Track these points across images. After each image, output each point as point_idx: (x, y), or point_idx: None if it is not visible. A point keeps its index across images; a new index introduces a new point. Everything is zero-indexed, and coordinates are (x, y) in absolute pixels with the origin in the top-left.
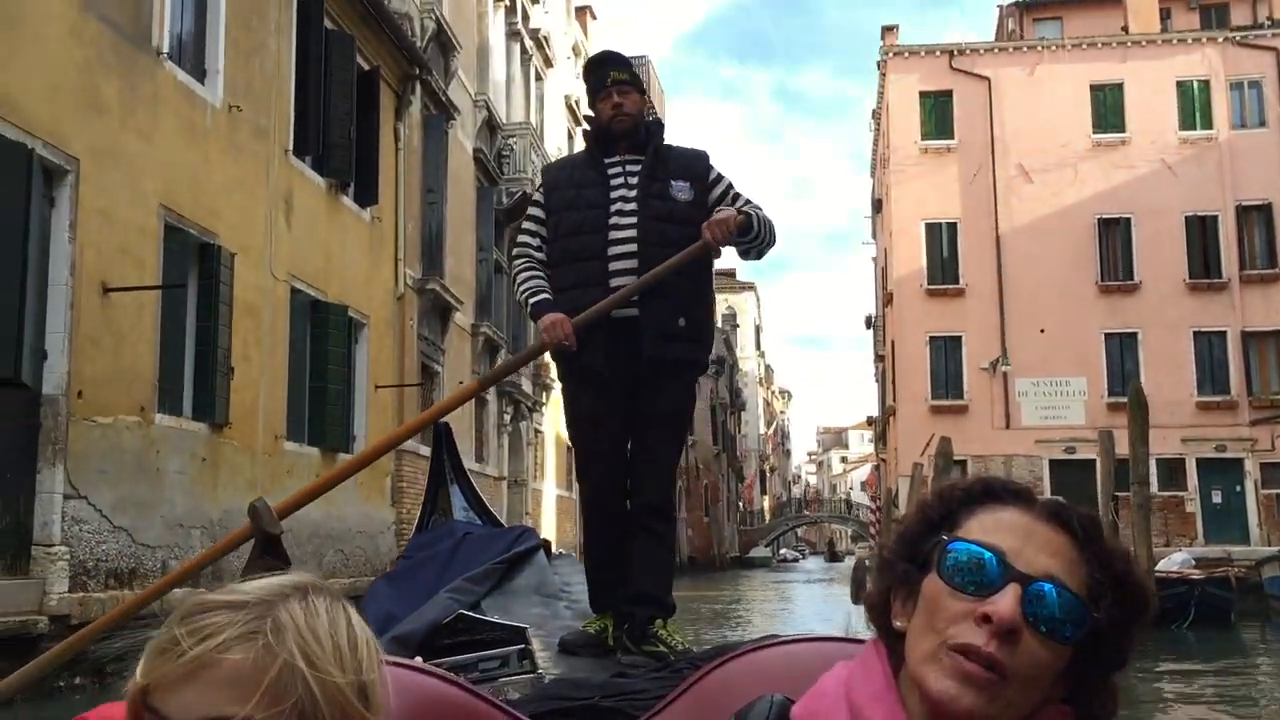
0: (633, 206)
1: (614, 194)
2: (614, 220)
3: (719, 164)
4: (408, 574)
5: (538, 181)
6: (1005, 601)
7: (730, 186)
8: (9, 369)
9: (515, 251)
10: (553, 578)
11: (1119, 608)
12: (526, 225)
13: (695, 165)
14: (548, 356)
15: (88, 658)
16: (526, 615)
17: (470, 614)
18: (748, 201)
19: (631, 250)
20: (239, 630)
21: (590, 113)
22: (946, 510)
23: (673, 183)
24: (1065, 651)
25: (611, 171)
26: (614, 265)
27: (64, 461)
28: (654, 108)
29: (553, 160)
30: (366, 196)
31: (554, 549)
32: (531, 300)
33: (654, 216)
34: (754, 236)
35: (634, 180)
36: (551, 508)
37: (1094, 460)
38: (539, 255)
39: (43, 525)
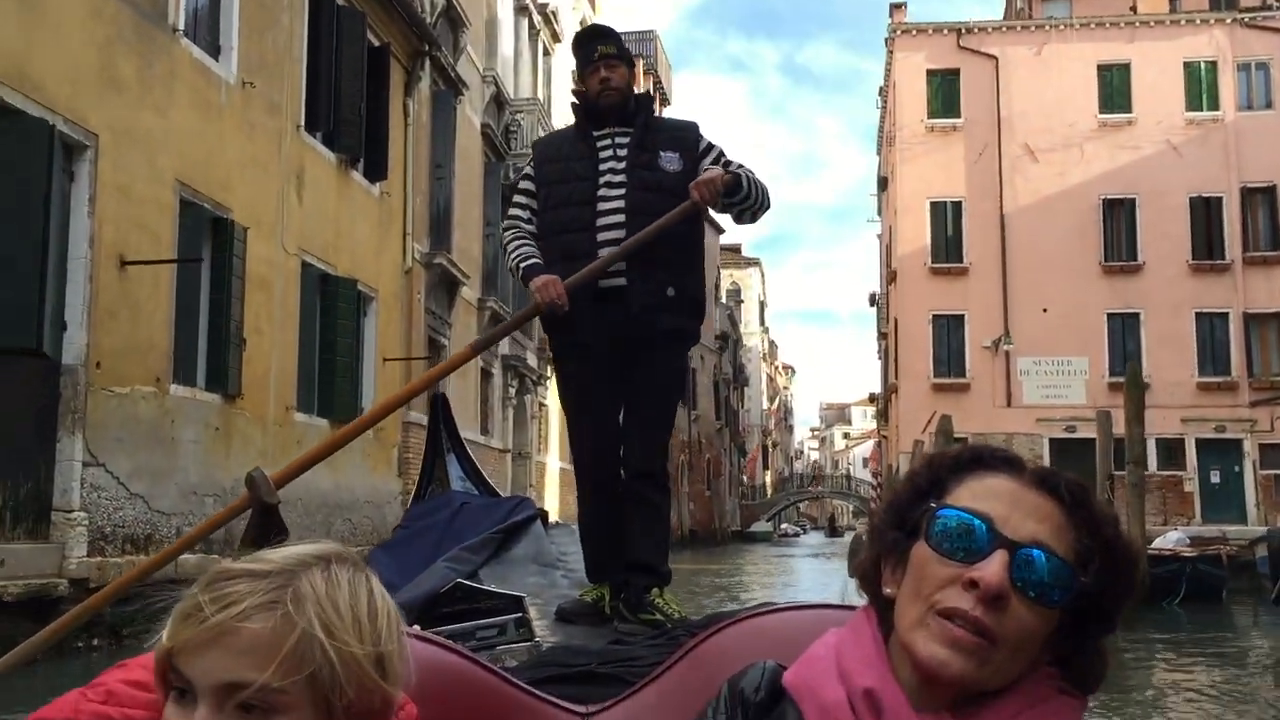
0: (621, 178)
1: (603, 166)
2: (602, 192)
3: (712, 135)
4: (405, 543)
5: None
6: (992, 568)
7: (722, 154)
8: (31, 340)
9: (505, 224)
10: (550, 547)
11: (1107, 572)
12: (517, 199)
13: (685, 136)
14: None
15: (104, 620)
16: (524, 584)
17: (468, 583)
18: (740, 166)
19: (620, 221)
20: (260, 599)
21: (579, 87)
22: (935, 478)
23: (661, 154)
24: (1053, 616)
25: (600, 144)
26: (602, 236)
27: (83, 430)
28: (661, 83)
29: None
30: (376, 172)
31: (556, 520)
32: (523, 265)
33: (642, 188)
34: (744, 196)
35: (623, 153)
36: (555, 480)
37: (1095, 439)
38: (529, 227)
39: (62, 492)
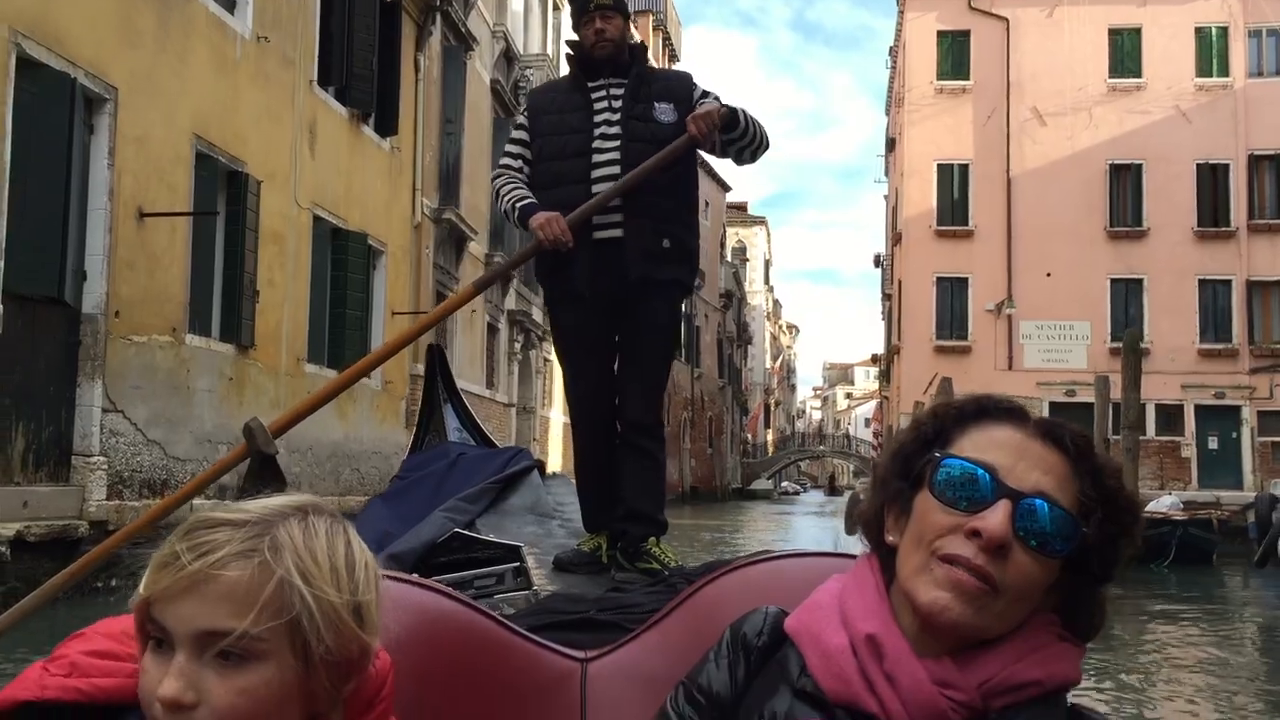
0: (616, 130)
1: (597, 118)
2: (597, 144)
3: (720, 91)
4: (403, 493)
5: None
6: (996, 517)
7: (717, 98)
8: (52, 288)
9: (496, 172)
10: (546, 497)
11: (1110, 523)
12: (509, 148)
13: (679, 87)
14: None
15: (123, 561)
16: (521, 534)
17: (465, 532)
18: (737, 107)
19: (614, 173)
20: (238, 547)
21: (574, 37)
22: (940, 427)
23: (656, 105)
24: (1055, 566)
25: (595, 96)
26: (597, 188)
27: (102, 377)
28: (670, 39)
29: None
30: (386, 126)
31: (556, 471)
32: (519, 204)
33: (637, 139)
34: (742, 132)
35: (618, 104)
36: (559, 434)
37: (1094, 404)
38: (521, 176)
39: (82, 437)
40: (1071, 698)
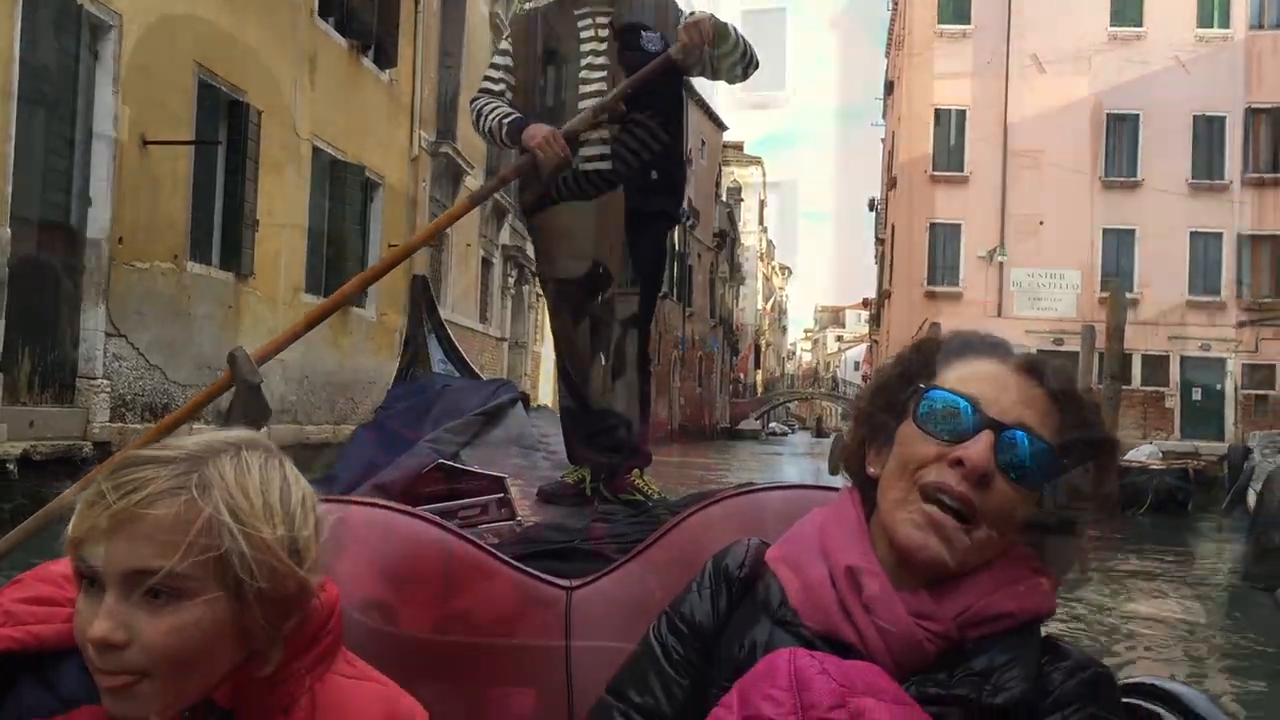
0: (603, 60)
1: (584, 47)
2: (584, 74)
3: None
4: (388, 424)
5: None
6: (978, 448)
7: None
8: (58, 214)
9: (475, 96)
10: (531, 429)
11: (1089, 457)
12: (490, 73)
13: (665, 15)
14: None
15: None
16: (505, 466)
17: (450, 463)
18: None
19: None
20: (164, 485)
21: None
22: (924, 361)
23: (643, 33)
24: (1035, 498)
25: (581, 24)
26: None
27: (106, 302)
28: None
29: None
30: (386, 59)
31: (544, 405)
32: (506, 120)
33: (625, 68)
34: (733, 45)
35: (604, 33)
36: (551, 370)
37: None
38: (502, 100)
39: (86, 360)
40: (1045, 629)
